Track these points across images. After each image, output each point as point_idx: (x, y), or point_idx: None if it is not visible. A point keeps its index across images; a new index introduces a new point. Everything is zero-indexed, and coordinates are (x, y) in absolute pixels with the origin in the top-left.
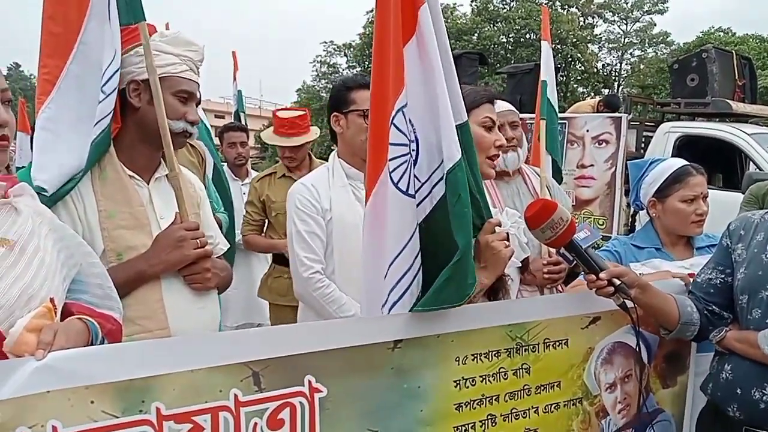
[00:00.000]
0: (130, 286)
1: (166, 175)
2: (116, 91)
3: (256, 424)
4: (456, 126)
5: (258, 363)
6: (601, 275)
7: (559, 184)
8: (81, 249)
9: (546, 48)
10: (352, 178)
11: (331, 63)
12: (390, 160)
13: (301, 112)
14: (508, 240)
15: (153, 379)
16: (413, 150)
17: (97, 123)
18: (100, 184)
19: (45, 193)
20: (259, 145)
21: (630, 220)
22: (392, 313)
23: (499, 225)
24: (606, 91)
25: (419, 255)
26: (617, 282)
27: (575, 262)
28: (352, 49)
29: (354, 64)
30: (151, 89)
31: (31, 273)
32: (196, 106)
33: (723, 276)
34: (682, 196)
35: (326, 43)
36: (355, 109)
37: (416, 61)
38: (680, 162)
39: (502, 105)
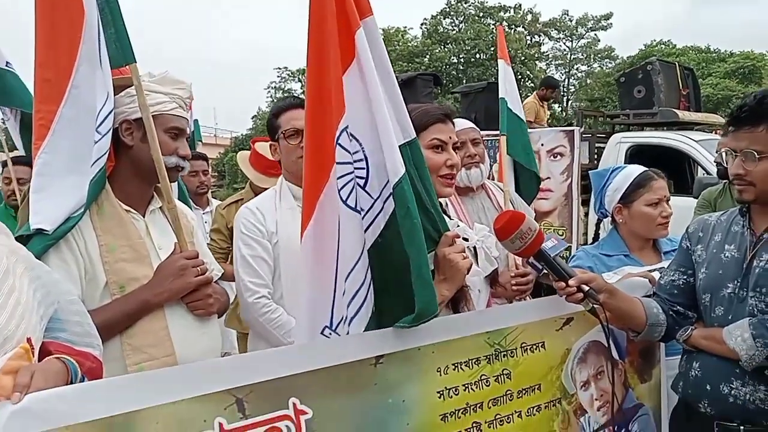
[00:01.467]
0: (135, 316)
1: (160, 207)
2: (111, 131)
3: None
4: (405, 143)
5: (241, 389)
6: (570, 282)
7: (535, 195)
8: (58, 287)
9: (503, 66)
10: (299, 199)
11: (285, 89)
12: (338, 178)
13: None
14: (467, 252)
15: (135, 414)
16: (361, 168)
17: (94, 162)
18: (99, 220)
19: (46, 233)
20: (216, 173)
21: (595, 228)
22: (354, 330)
23: (457, 237)
24: (556, 106)
25: (369, 270)
26: (586, 288)
27: (544, 270)
28: (305, 75)
29: None
30: (142, 127)
31: (6, 313)
32: (186, 141)
33: (685, 277)
34: (647, 199)
35: (280, 69)
36: (281, 131)
37: (358, 85)
38: (641, 168)
39: (462, 123)
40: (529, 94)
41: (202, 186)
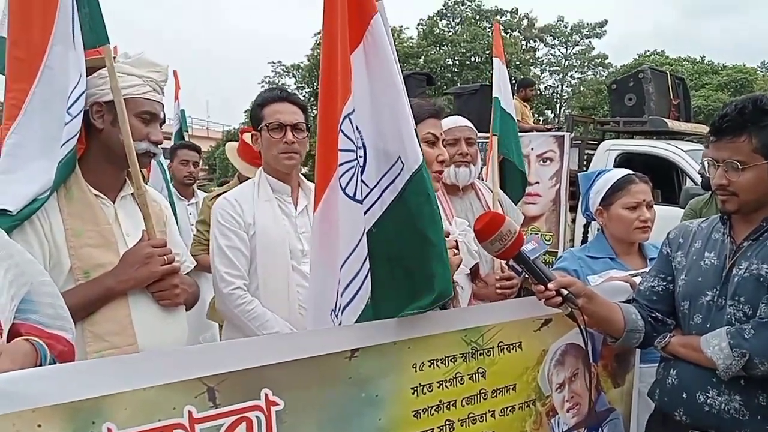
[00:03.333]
0: (98, 303)
1: (132, 193)
2: (82, 112)
3: None
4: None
5: (213, 378)
6: (549, 285)
7: (521, 197)
8: (32, 267)
9: (498, 64)
10: (278, 191)
11: (279, 84)
12: (340, 165)
13: None
14: (457, 248)
15: (103, 399)
16: (360, 156)
17: (63, 144)
18: (67, 204)
19: (9, 214)
20: (207, 167)
21: (583, 231)
22: (346, 319)
23: (448, 234)
24: (548, 112)
25: (366, 260)
26: (565, 292)
27: (524, 273)
28: (300, 70)
29: (303, 84)
30: (113, 111)
31: None
32: (160, 126)
33: (665, 283)
34: (625, 203)
35: (274, 63)
36: (265, 124)
37: (363, 69)
38: (624, 171)
39: (460, 120)
40: None
41: (189, 177)
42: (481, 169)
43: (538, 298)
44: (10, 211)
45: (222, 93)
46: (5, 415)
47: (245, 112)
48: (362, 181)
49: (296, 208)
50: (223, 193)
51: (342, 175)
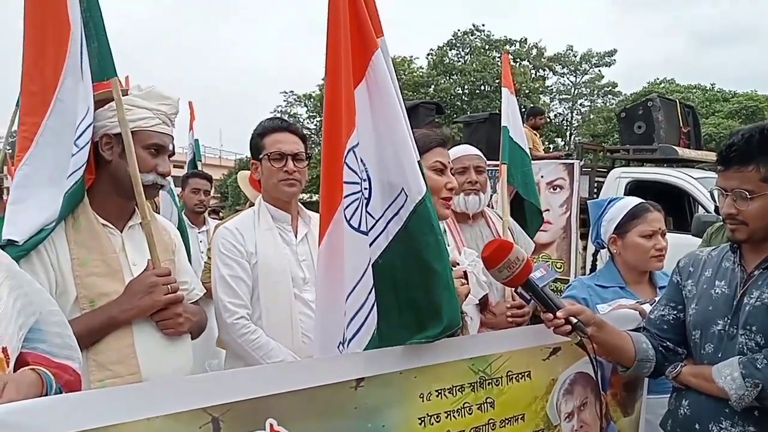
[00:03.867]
0: (102, 331)
1: (140, 222)
2: (89, 144)
3: None
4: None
5: (217, 408)
6: (558, 314)
7: (539, 227)
8: (40, 296)
9: (507, 94)
10: (278, 220)
11: (291, 113)
12: (345, 197)
13: None
14: (465, 278)
15: (106, 430)
16: (365, 188)
17: (70, 175)
18: (74, 233)
19: (16, 244)
20: (219, 194)
21: (592, 259)
22: (352, 351)
23: (456, 264)
24: (559, 140)
25: (372, 291)
26: (574, 320)
27: (532, 300)
28: (312, 100)
29: (314, 114)
30: (122, 142)
31: None
32: (170, 158)
33: (675, 312)
34: (641, 231)
35: (286, 93)
36: (266, 153)
37: (366, 103)
38: (638, 200)
39: (469, 149)
40: None
41: (200, 204)
42: (491, 196)
43: (547, 326)
44: (17, 242)
45: (235, 123)
46: None
47: None
48: (368, 212)
49: (296, 236)
50: None
51: (347, 207)
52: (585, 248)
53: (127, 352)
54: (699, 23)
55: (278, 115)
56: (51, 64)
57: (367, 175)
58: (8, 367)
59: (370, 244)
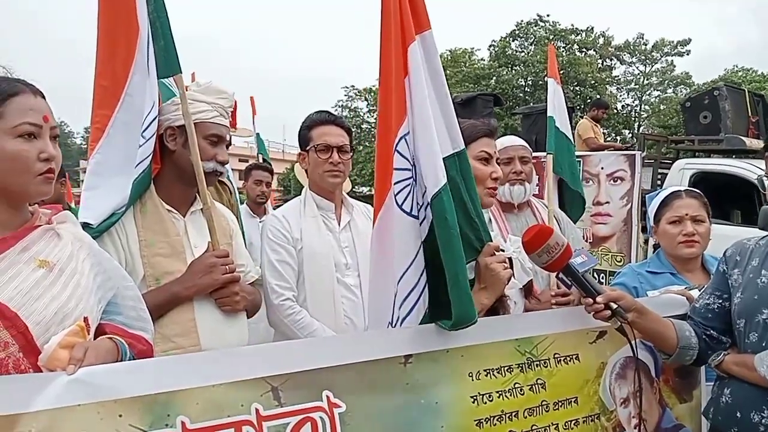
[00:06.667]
0: (166, 307)
1: (201, 208)
2: (155, 136)
3: None
4: (454, 153)
5: (276, 378)
6: (598, 299)
7: (580, 216)
8: (118, 273)
9: (553, 85)
10: (323, 209)
11: (352, 107)
12: (395, 183)
13: None
14: (508, 263)
15: (176, 394)
16: (416, 174)
17: (138, 164)
18: (141, 217)
19: (91, 227)
20: (282, 188)
21: (653, 251)
22: (399, 327)
23: (498, 248)
24: (626, 131)
25: (424, 272)
26: (614, 306)
27: (572, 286)
28: (372, 94)
29: (374, 108)
30: (185, 134)
31: (67, 293)
32: (227, 148)
33: (720, 301)
34: (669, 217)
35: (347, 87)
36: (313, 145)
37: (409, 94)
38: (676, 188)
39: (514, 140)
40: None
41: (261, 195)
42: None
43: (587, 311)
44: (92, 224)
45: (298, 118)
46: (91, 404)
47: None
48: (417, 197)
49: (339, 224)
50: None
51: (398, 193)
52: (646, 242)
53: (189, 326)
54: None
55: (339, 109)
56: (121, 61)
57: (417, 162)
58: (89, 335)
59: (419, 226)
